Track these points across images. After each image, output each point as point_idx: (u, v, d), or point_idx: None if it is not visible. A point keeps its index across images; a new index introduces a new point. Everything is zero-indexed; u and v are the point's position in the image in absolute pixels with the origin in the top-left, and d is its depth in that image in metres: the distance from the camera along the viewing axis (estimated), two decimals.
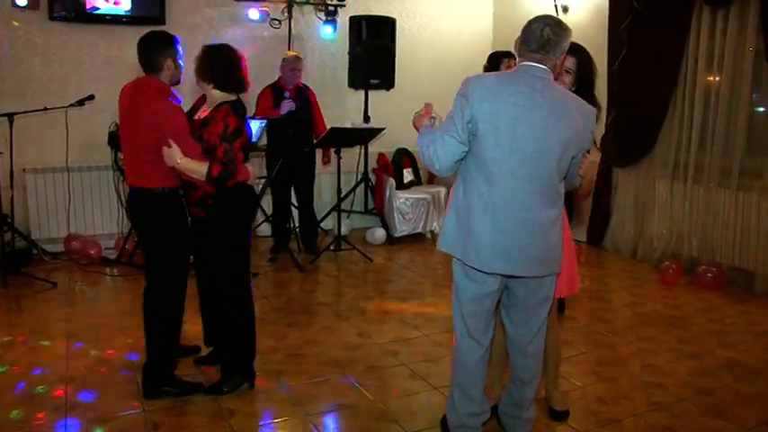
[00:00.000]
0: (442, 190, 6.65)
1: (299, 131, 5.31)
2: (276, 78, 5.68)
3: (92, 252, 5.51)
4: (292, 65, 5.56)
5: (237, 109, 3.02)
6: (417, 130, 2.55)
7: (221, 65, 3.06)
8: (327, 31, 6.43)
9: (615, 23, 5.74)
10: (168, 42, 3.05)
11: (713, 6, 5.02)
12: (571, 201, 4.33)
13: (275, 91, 5.56)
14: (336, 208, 5.86)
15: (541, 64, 2.32)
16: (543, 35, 2.29)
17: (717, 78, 5.08)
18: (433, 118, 2.53)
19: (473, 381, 2.57)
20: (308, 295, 4.81)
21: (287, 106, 5.45)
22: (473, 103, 2.27)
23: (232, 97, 3.08)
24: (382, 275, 5.38)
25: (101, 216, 5.85)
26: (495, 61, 4.76)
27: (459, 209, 2.40)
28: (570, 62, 2.79)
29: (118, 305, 4.49)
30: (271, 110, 5.47)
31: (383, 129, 5.79)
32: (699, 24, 5.16)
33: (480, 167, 2.31)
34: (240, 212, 3.14)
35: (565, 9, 6.45)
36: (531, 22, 2.35)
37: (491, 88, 2.29)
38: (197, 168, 2.92)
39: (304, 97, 5.64)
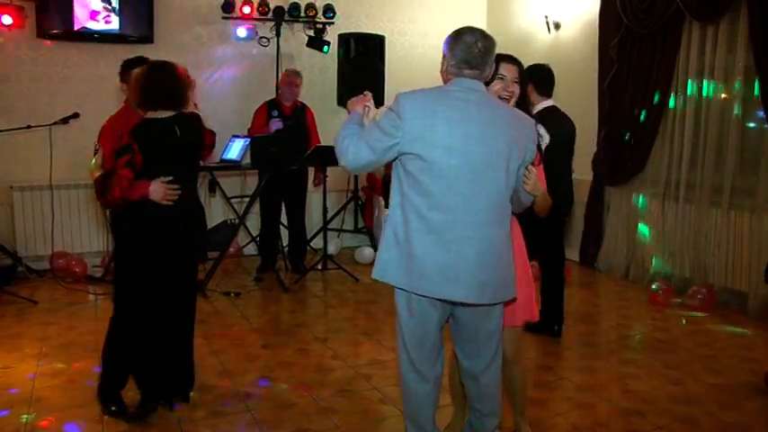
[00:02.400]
0: None
1: (283, 150, 5.27)
2: (275, 96, 5.70)
3: (77, 270, 5.48)
4: (289, 78, 5.55)
5: (139, 127, 2.92)
6: (348, 111, 2.48)
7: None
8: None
9: (605, 40, 5.68)
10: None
11: (703, 22, 4.94)
12: (558, 221, 4.29)
13: (270, 107, 5.56)
14: (324, 227, 5.80)
15: (475, 78, 2.26)
16: (478, 48, 2.23)
17: (707, 95, 4.98)
18: (368, 107, 2.43)
19: (423, 412, 2.45)
20: (289, 316, 4.73)
21: (274, 125, 5.44)
22: (406, 121, 2.17)
23: (152, 115, 2.98)
24: (367, 295, 5.30)
25: (87, 234, 5.84)
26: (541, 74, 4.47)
27: (397, 233, 2.26)
28: (513, 71, 2.65)
29: (95, 324, 4.43)
30: (264, 126, 5.46)
31: None
32: (689, 40, 5.08)
33: (418, 187, 2.20)
34: (132, 231, 3.01)
35: (557, 26, 6.40)
36: (461, 36, 2.26)
37: (426, 104, 2.20)
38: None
39: (299, 116, 5.62)
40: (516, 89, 2.63)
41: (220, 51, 6.18)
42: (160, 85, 2.92)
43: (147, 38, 5.83)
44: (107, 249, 5.73)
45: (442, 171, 2.18)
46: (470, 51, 2.23)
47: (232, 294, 5.09)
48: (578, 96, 6.04)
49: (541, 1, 6.52)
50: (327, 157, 5.53)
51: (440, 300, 2.28)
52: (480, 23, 7.39)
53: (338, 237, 6.60)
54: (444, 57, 2.32)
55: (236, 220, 5.52)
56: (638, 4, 5.30)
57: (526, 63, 7.00)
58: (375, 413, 3.22)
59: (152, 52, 5.86)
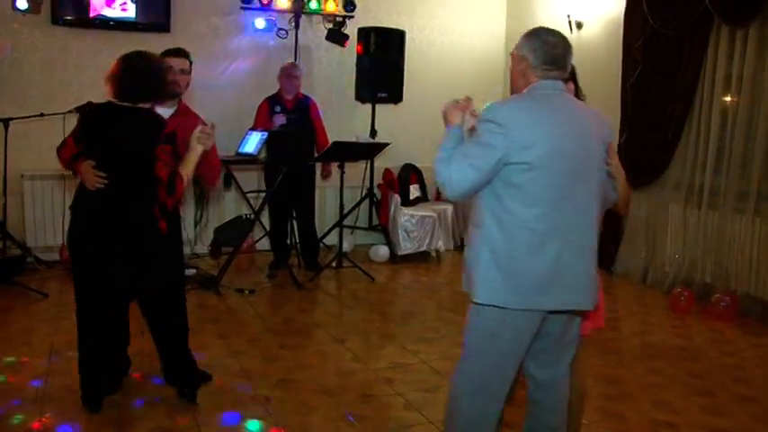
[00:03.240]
0: (449, 208, 6.50)
1: (298, 145, 5.17)
2: (277, 89, 5.57)
3: None
4: (288, 71, 5.46)
5: (88, 106, 2.89)
6: (445, 122, 2.28)
7: None
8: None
9: (630, 40, 5.57)
10: None
11: (732, 26, 4.84)
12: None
13: (272, 103, 5.46)
14: (339, 224, 5.71)
15: (559, 78, 2.19)
16: (561, 47, 2.17)
17: (734, 99, 4.89)
18: (472, 115, 2.24)
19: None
20: (305, 315, 4.65)
21: (278, 120, 5.36)
22: (511, 129, 2.05)
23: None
24: (384, 296, 5.21)
25: None
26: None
27: (497, 252, 2.10)
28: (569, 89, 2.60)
29: None
30: (267, 122, 5.36)
31: (388, 144, 5.64)
32: (717, 43, 4.98)
33: (525, 198, 2.07)
34: (71, 217, 2.97)
35: (579, 25, 6.30)
36: (540, 36, 2.18)
37: (527, 110, 2.10)
38: None
39: (303, 109, 5.52)
40: (571, 86, 2.57)
41: (237, 42, 6.07)
42: (127, 76, 2.78)
43: (164, 27, 5.72)
44: None
45: (552, 177, 2.08)
46: (554, 51, 2.16)
47: (246, 292, 5.00)
48: (601, 97, 5.90)
49: (564, 0, 6.41)
50: (346, 152, 5.46)
51: (542, 311, 2.18)
52: (500, 22, 7.31)
53: (351, 234, 6.51)
54: (521, 58, 2.21)
55: (252, 216, 5.42)
56: (664, 5, 5.19)
57: None
58: (400, 420, 3.13)
59: (168, 42, 5.75)
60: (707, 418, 3.25)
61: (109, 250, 2.87)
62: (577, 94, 2.65)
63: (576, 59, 6.09)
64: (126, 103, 2.81)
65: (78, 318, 3.01)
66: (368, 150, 5.67)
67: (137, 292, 3.03)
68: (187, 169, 2.89)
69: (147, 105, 2.86)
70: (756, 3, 4.59)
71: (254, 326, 4.37)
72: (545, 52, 2.15)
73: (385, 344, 4.11)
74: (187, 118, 3.20)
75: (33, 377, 3.42)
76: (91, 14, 5.52)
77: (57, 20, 5.46)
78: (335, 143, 5.23)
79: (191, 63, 3.33)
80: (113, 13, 5.57)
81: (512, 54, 2.27)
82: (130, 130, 2.81)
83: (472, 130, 2.18)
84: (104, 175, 2.80)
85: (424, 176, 6.86)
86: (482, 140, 2.08)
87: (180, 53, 3.23)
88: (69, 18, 5.49)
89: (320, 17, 6.27)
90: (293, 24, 6.06)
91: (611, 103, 5.82)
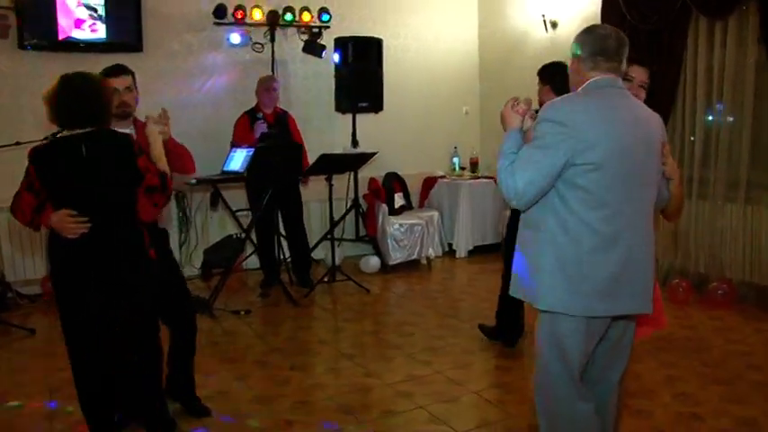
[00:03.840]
0: (435, 214, 6.46)
1: (285, 160, 5.06)
2: (254, 104, 5.47)
3: None
4: (266, 84, 5.37)
5: (38, 148, 2.61)
6: (504, 125, 2.17)
7: None
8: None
9: None
10: None
11: (711, 18, 4.92)
12: None
13: (252, 116, 5.35)
14: (330, 237, 5.61)
15: (612, 72, 2.11)
16: (612, 38, 2.09)
17: (718, 90, 4.96)
18: (530, 117, 2.15)
19: None
20: (307, 333, 4.53)
21: (259, 128, 5.24)
22: (575, 132, 1.98)
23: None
24: (381, 307, 5.13)
25: None
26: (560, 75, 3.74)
27: (563, 257, 2.03)
28: (643, 74, 2.56)
29: None
30: (248, 134, 5.24)
31: (375, 153, 5.58)
32: (696, 36, 5.05)
33: (591, 201, 2.01)
34: (49, 261, 2.76)
35: (554, 25, 6.34)
36: (591, 30, 2.13)
37: (587, 111, 2.02)
38: None
39: (283, 123, 5.42)
40: (642, 94, 2.53)
41: (212, 59, 5.93)
42: (71, 100, 2.54)
43: (136, 46, 5.55)
44: None
45: (616, 178, 2.02)
46: (605, 42, 2.09)
47: (242, 312, 4.86)
48: None
49: (537, 0, 6.45)
50: (334, 164, 5.37)
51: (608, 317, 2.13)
52: (472, 24, 7.32)
53: (339, 246, 6.40)
54: (575, 57, 2.15)
55: (243, 235, 5.28)
56: (642, 1, 5.25)
57: (522, 62, 6.99)
58: None
59: (141, 61, 5.65)
60: (730, 406, 3.25)
61: (101, 291, 2.66)
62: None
63: (552, 58, 6.18)
64: (78, 130, 2.56)
65: (71, 357, 2.80)
66: (355, 161, 5.59)
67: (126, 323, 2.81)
68: (162, 161, 2.75)
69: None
70: None
71: (257, 347, 4.24)
72: (594, 43, 2.09)
73: (394, 356, 4.02)
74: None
75: (35, 422, 3.23)
76: (60, 37, 5.31)
77: (24, 45, 5.24)
78: (323, 156, 5.13)
79: (133, 77, 3.11)
80: (83, 34, 5.39)
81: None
82: (106, 153, 2.57)
83: (528, 132, 2.12)
84: (85, 219, 2.56)
85: (408, 184, 6.81)
86: (545, 143, 2.00)
87: (120, 71, 3.02)
88: (37, 42, 5.29)
89: (295, 29, 6.18)
90: (268, 38, 5.96)
91: None
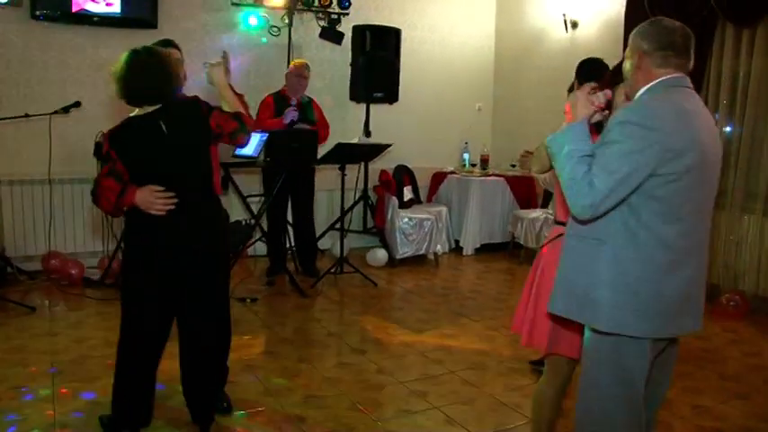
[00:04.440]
0: (443, 209, 6.36)
1: (305, 145, 4.95)
2: (280, 88, 5.35)
3: (73, 272, 5.07)
4: (299, 71, 5.23)
5: (116, 131, 2.59)
6: (571, 113, 1.91)
7: None
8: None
9: None
10: None
11: (738, 25, 4.84)
12: None
13: (278, 100, 5.22)
14: (339, 227, 5.53)
15: (681, 70, 1.94)
16: (680, 33, 1.92)
17: (741, 99, 4.88)
18: (605, 110, 1.94)
19: None
20: (316, 324, 4.44)
21: (290, 115, 5.10)
22: (664, 137, 1.78)
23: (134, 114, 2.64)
24: (390, 302, 5.04)
25: (82, 233, 5.42)
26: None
27: (628, 271, 1.85)
28: None
29: (106, 335, 4.04)
30: (270, 119, 5.12)
31: (390, 145, 5.48)
32: (722, 43, 4.98)
33: (669, 215, 1.84)
34: (126, 243, 2.76)
35: (574, 24, 6.25)
36: (657, 22, 1.94)
37: (674, 114, 1.82)
38: None
39: (307, 110, 5.30)
40: None
41: (227, 40, 5.80)
42: (143, 78, 2.51)
43: (151, 23, 5.43)
44: (106, 250, 5.31)
45: (694, 189, 1.85)
46: (673, 36, 1.91)
47: (248, 301, 4.76)
48: None
49: None
50: (349, 154, 5.27)
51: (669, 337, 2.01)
52: (490, 19, 7.22)
53: (345, 237, 6.30)
54: (634, 50, 1.95)
55: (252, 221, 5.18)
56: (667, 4, 5.17)
57: (539, 62, 6.89)
58: None
59: (155, 38, 5.48)
60: (752, 422, 3.19)
61: (184, 266, 2.65)
62: None
63: (571, 59, 6.10)
64: (150, 107, 2.56)
65: (123, 341, 2.73)
66: (370, 151, 5.48)
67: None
68: (229, 100, 2.76)
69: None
70: (763, 3, 4.60)
71: (266, 337, 4.15)
72: (662, 37, 1.90)
73: (405, 353, 3.94)
74: None
75: (41, 403, 3.13)
76: (73, 9, 5.18)
77: (36, 14, 5.10)
78: (339, 144, 5.03)
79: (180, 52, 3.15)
80: (97, 8, 5.25)
81: (625, 56, 2.01)
82: (183, 124, 2.60)
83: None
84: (171, 194, 2.56)
85: (416, 178, 6.73)
86: (630, 149, 1.77)
87: (170, 44, 3.02)
88: (50, 13, 5.15)
89: (312, 14, 6.06)
90: (286, 21, 5.83)
91: None
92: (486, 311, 4.78)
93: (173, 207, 2.56)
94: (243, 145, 2.86)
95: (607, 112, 1.98)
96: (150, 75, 2.52)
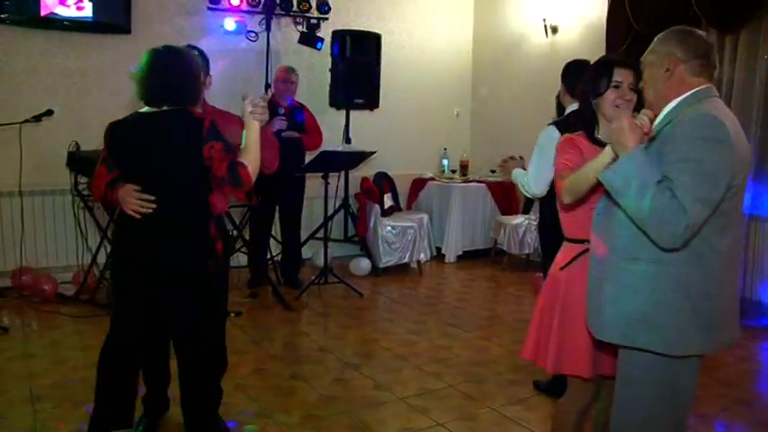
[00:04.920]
0: (425, 216, 6.27)
1: (293, 153, 4.81)
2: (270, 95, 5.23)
3: (46, 288, 4.83)
4: (285, 76, 5.12)
5: (112, 122, 2.49)
6: (622, 142, 1.78)
7: None
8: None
9: (613, 45, 5.54)
10: None
11: (721, 31, 4.87)
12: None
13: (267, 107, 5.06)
14: (323, 237, 5.39)
15: (710, 80, 1.90)
16: (705, 45, 1.88)
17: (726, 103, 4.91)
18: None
19: None
20: (305, 338, 4.30)
21: (278, 124, 4.96)
22: (734, 151, 1.74)
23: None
24: (377, 313, 4.93)
25: (54, 246, 5.17)
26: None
27: (692, 292, 1.79)
28: (630, 77, 2.25)
29: (86, 355, 3.85)
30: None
31: (374, 152, 5.38)
32: None
33: (722, 226, 1.80)
34: (112, 246, 2.71)
35: (554, 30, 6.24)
36: (686, 30, 1.90)
37: (730, 124, 1.77)
38: None
39: (298, 116, 5.17)
40: (633, 97, 2.23)
41: (204, 45, 5.56)
42: (156, 76, 2.39)
43: (124, 27, 5.23)
44: (80, 264, 5.08)
45: (741, 201, 1.83)
46: (704, 45, 1.87)
47: (232, 315, 4.60)
48: None
49: (537, 3, 6.34)
50: (333, 162, 5.16)
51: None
52: (467, 23, 7.18)
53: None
54: (665, 56, 1.89)
55: (235, 232, 5.01)
56: (649, 9, 5.18)
57: (518, 67, 6.86)
58: None
59: (128, 44, 5.34)
60: (758, 430, 3.17)
61: (162, 284, 2.48)
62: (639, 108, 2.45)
63: (551, 64, 6.09)
64: (155, 108, 2.43)
65: (106, 340, 2.61)
66: (354, 159, 5.37)
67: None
68: (250, 154, 2.40)
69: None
70: (747, 9, 4.63)
71: (254, 353, 4.00)
72: (697, 45, 1.86)
73: (401, 367, 3.83)
74: (224, 118, 2.85)
75: None
76: (42, 13, 4.95)
77: (1, 18, 4.86)
78: (323, 152, 4.92)
79: (202, 59, 2.87)
80: (68, 12, 5.03)
81: (646, 62, 1.95)
82: (177, 134, 2.40)
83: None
84: (152, 198, 2.40)
85: (396, 185, 6.65)
86: (710, 169, 1.69)
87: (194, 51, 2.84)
88: (16, 17, 4.91)
89: (290, 20, 5.93)
90: (264, 26, 5.69)
91: None
92: (476, 321, 4.71)
93: (149, 211, 2.39)
94: (236, 185, 2.45)
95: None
96: (170, 72, 2.39)
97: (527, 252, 6.18)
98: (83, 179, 4.72)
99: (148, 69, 2.38)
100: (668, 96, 1.90)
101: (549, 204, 3.22)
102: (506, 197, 6.70)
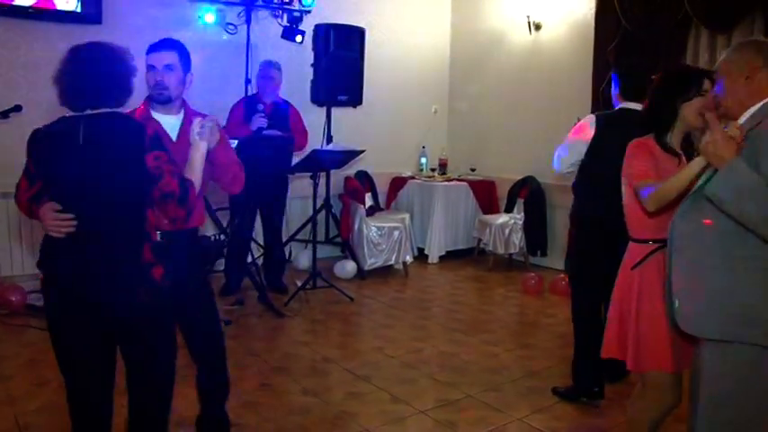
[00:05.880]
0: (407, 216, 6.11)
1: (277, 153, 4.57)
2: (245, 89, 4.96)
3: (13, 299, 4.46)
4: (264, 71, 4.87)
5: (36, 130, 2.14)
6: (719, 155, 1.80)
7: None
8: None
9: (602, 43, 5.51)
10: None
11: (713, 31, 4.88)
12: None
13: (249, 104, 4.82)
14: (311, 239, 5.17)
15: None
16: None
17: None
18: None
19: None
20: (305, 349, 4.07)
21: (257, 122, 4.72)
22: None
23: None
24: (374, 318, 4.73)
25: (20, 252, 4.79)
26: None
27: None
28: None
29: None
30: (241, 125, 4.72)
31: (363, 151, 5.18)
32: (696, 50, 5.02)
33: None
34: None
35: (537, 26, 6.17)
36: (765, 42, 1.98)
37: None
38: None
39: (281, 116, 4.92)
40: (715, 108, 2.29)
41: (180, 37, 5.24)
42: (74, 74, 2.04)
43: (94, 17, 4.87)
44: None
45: None
46: None
47: (223, 324, 4.32)
48: (567, 100, 5.86)
49: (521, 0, 6.26)
50: (324, 161, 4.94)
51: None
52: (444, 17, 7.07)
53: (305, 248, 5.97)
54: (754, 68, 1.95)
55: (221, 236, 4.73)
56: (640, 9, 5.16)
57: (498, 64, 6.78)
58: None
59: (98, 35, 4.93)
60: None
61: (93, 313, 2.11)
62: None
63: (534, 60, 6.02)
64: (88, 111, 2.07)
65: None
66: (345, 158, 5.15)
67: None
68: (194, 173, 2.23)
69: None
70: (739, 9, 4.65)
71: (255, 366, 3.76)
72: None
73: (414, 377, 3.66)
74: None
75: None
76: (3, 0, 4.55)
77: None
78: (315, 151, 4.70)
79: (182, 54, 2.60)
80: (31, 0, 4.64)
81: (722, 71, 2.01)
82: (108, 142, 2.06)
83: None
84: (69, 216, 2.05)
85: (376, 183, 6.48)
86: None
87: (162, 45, 2.54)
88: None
89: (267, 12, 5.66)
90: (243, 19, 5.41)
91: (578, 106, 5.75)
92: (476, 325, 4.59)
93: (71, 230, 2.06)
94: (174, 218, 2.20)
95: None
96: (84, 73, 2.04)
97: (512, 251, 6.11)
98: None
99: (65, 68, 2.05)
100: (747, 102, 1.97)
101: (579, 187, 3.45)
102: (487, 196, 6.61)
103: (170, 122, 2.55)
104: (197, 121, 2.31)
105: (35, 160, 2.12)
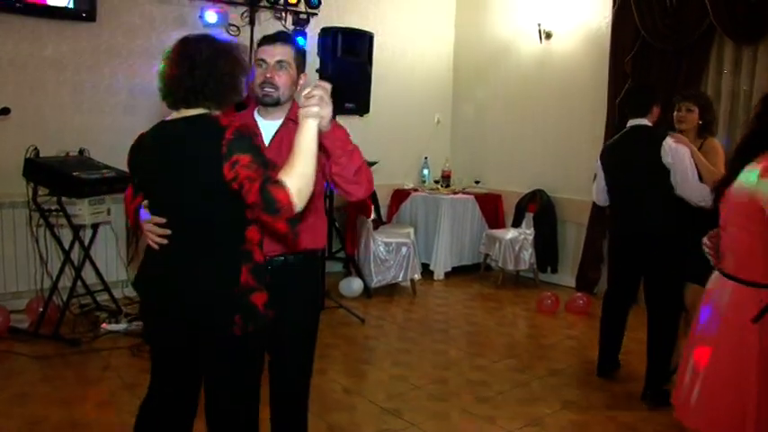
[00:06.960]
0: (411, 230, 5.84)
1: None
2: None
3: None
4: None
5: (130, 151, 2.07)
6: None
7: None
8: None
9: (618, 53, 5.32)
10: None
11: (738, 42, 4.72)
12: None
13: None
14: (321, 255, 4.83)
15: None
16: None
17: (743, 117, 4.77)
18: None
19: None
20: (324, 379, 3.72)
21: None
22: None
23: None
24: (390, 342, 4.42)
25: (1, 268, 4.38)
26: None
27: None
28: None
29: (67, 411, 3.16)
30: None
31: (376, 162, 4.89)
32: (720, 60, 4.85)
33: None
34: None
35: (548, 35, 5.96)
36: None
37: None
38: None
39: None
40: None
41: (177, 37, 4.93)
42: (176, 71, 1.84)
43: (88, 14, 4.51)
44: (38, 289, 4.30)
45: None
46: None
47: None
48: (581, 113, 5.67)
49: (531, 8, 6.05)
50: None
51: None
52: (449, 24, 6.84)
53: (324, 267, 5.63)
54: None
55: None
56: (661, 19, 4.98)
57: (506, 73, 6.55)
58: None
59: (93, 33, 4.62)
60: None
61: (182, 338, 1.97)
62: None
63: (544, 70, 5.81)
64: (176, 115, 1.90)
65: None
66: None
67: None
68: (295, 167, 1.71)
69: (213, 112, 1.90)
70: (765, 21, 4.49)
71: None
72: None
73: (445, 410, 3.37)
74: None
75: None
76: None
77: None
78: None
79: (298, 51, 2.24)
80: None
81: None
82: (185, 147, 1.84)
83: None
84: (162, 220, 1.91)
85: (378, 196, 6.19)
86: None
87: (276, 38, 2.19)
88: None
89: (274, 13, 5.35)
90: (246, 20, 5.09)
91: (590, 116, 5.58)
92: (499, 349, 4.32)
93: (164, 241, 1.91)
94: (279, 236, 2.04)
95: None
96: (185, 69, 1.83)
97: (521, 268, 5.87)
98: (44, 191, 4.00)
99: (166, 63, 1.87)
100: None
101: None
102: (493, 210, 6.38)
103: (270, 128, 2.22)
104: (305, 91, 1.82)
105: (133, 168, 2.02)
